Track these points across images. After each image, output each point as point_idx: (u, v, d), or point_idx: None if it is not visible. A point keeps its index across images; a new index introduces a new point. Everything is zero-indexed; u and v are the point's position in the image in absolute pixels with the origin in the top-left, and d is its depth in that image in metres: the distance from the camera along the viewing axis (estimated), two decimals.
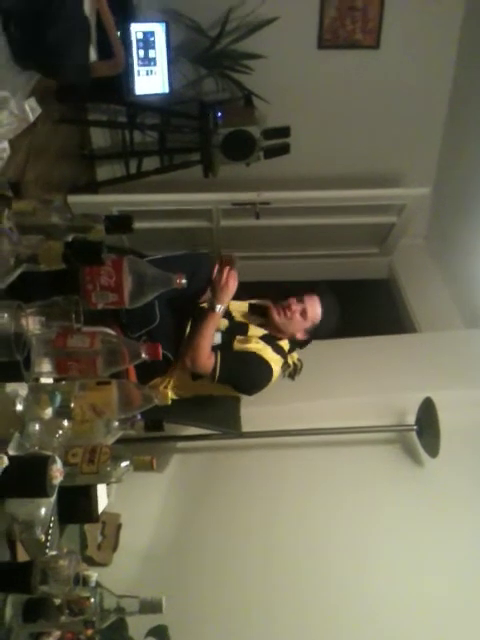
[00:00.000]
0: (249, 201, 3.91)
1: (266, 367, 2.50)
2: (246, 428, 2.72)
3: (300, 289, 2.66)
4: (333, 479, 2.77)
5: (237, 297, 2.67)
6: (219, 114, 3.88)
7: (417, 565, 2.48)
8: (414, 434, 2.87)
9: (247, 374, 2.52)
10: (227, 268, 2.49)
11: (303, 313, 2.58)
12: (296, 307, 2.58)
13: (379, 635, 2.28)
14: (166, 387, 2.52)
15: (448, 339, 3.60)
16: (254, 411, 2.77)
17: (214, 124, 3.88)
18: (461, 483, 2.75)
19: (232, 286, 2.48)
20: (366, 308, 4.24)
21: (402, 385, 3.11)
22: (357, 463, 2.85)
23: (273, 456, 2.87)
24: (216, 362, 2.44)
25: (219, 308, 2.46)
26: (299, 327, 2.61)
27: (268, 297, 2.79)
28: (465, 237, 4.11)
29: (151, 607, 1.31)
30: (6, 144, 1.92)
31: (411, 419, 2.90)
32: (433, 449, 2.75)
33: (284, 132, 3.89)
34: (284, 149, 3.93)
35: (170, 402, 1.45)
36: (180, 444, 2.89)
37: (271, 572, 2.44)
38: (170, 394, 2.48)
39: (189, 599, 2.23)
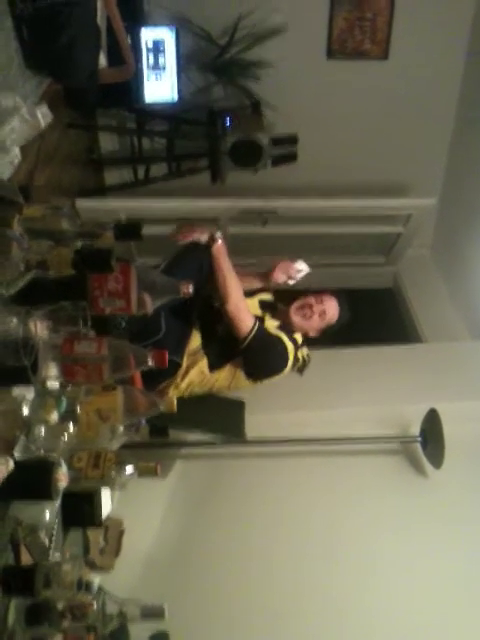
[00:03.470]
0: (256, 208, 3.92)
1: (286, 354, 2.51)
2: (250, 436, 2.72)
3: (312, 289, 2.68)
4: (337, 488, 2.77)
5: (246, 294, 2.69)
6: (227, 121, 3.90)
7: (420, 575, 2.47)
8: (418, 445, 2.87)
9: (269, 355, 2.53)
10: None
11: (322, 314, 2.59)
12: (317, 308, 2.58)
13: None
14: (177, 387, 2.52)
15: (453, 350, 3.59)
16: (259, 419, 2.77)
17: (222, 131, 3.90)
18: (465, 494, 2.74)
19: (192, 225, 2.55)
20: (371, 317, 4.23)
21: (407, 395, 3.11)
22: (361, 472, 2.84)
23: (277, 464, 2.87)
24: (254, 326, 2.44)
25: (218, 235, 2.49)
26: (315, 327, 2.61)
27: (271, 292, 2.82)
28: (471, 248, 4.11)
29: (153, 613, 1.31)
30: (17, 150, 1.93)
31: (415, 430, 2.90)
32: (437, 460, 2.74)
33: (292, 140, 3.90)
34: (292, 157, 3.95)
35: (176, 409, 1.46)
36: (184, 450, 2.89)
37: (273, 580, 2.43)
38: (184, 390, 2.51)
39: (191, 606, 2.23)
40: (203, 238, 2.51)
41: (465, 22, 4.18)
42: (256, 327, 2.44)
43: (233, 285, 2.45)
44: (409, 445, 2.93)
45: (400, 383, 3.13)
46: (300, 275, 2.65)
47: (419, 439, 2.86)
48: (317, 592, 2.41)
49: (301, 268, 2.67)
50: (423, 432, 2.85)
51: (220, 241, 2.49)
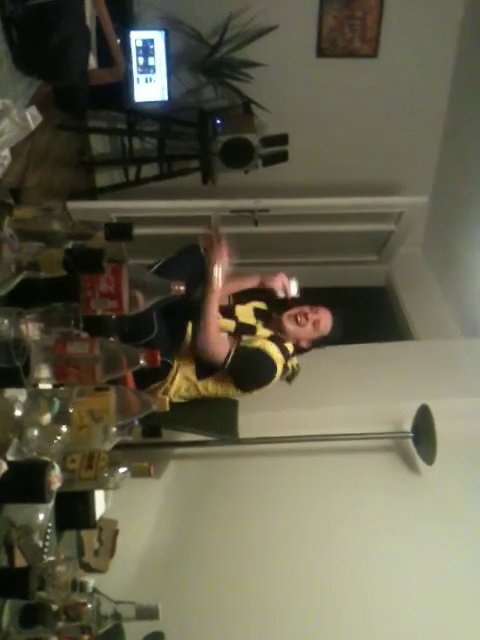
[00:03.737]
0: (247, 208, 3.92)
1: (271, 366, 2.51)
2: (243, 435, 2.72)
3: (310, 299, 2.70)
4: (330, 485, 2.77)
5: (240, 301, 2.69)
6: (218, 122, 3.90)
7: (413, 571, 2.48)
8: (410, 442, 2.88)
9: (253, 370, 2.54)
10: (215, 243, 2.54)
11: (315, 323, 2.61)
12: (311, 316, 2.61)
13: None
14: (166, 391, 2.53)
15: (445, 347, 3.61)
16: (252, 418, 2.77)
17: (213, 131, 3.90)
18: (457, 491, 2.75)
19: (224, 256, 2.52)
20: (364, 315, 4.25)
21: (399, 392, 3.12)
22: (354, 470, 2.85)
23: (270, 463, 2.87)
24: (230, 352, 2.45)
25: (216, 283, 2.48)
26: (308, 336, 2.63)
27: (266, 300, 2.82)
28: (462, 246, 4.12)
29: (147, 613, 1.31)
30: (7, 151, 1.93)
31: (407, 426, 2.91)
32: (429, 457, 2.75)
33: (282, 140, 3.90)
34: (282, 157, 3.95)
35: (168, 408, 1.46)
36: (178, 450, 2.89)
37: (268, 579, 2.43)
38: (172, 395, 2.51)
39: (185, 606, 2.23)
40: (218, 265, 2.51)
41: (455, 20, 4.19)
42: (231, 353, 2.47)
43: (208, 327, 2.46)
44: (401, 442, 2.95)
45: (392, 380, 3.14)
46: (291, 292, 2.68)
47: (411, 435, 2.87)
48: (311, 587, 2.42)
49: (293, 287, 2.70)
50: (415, 428, 2.87)
51: (218, 277, 2.49)
